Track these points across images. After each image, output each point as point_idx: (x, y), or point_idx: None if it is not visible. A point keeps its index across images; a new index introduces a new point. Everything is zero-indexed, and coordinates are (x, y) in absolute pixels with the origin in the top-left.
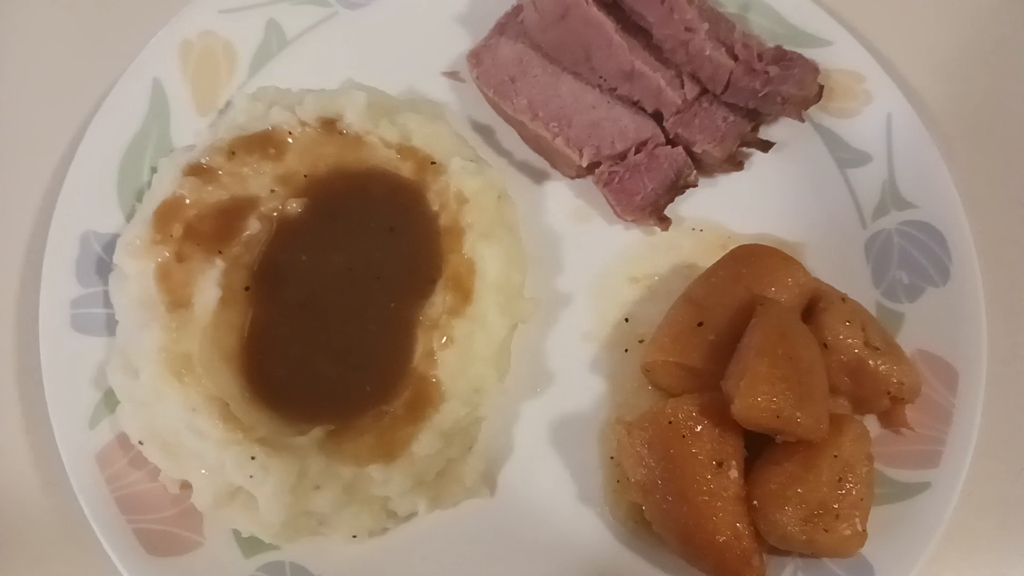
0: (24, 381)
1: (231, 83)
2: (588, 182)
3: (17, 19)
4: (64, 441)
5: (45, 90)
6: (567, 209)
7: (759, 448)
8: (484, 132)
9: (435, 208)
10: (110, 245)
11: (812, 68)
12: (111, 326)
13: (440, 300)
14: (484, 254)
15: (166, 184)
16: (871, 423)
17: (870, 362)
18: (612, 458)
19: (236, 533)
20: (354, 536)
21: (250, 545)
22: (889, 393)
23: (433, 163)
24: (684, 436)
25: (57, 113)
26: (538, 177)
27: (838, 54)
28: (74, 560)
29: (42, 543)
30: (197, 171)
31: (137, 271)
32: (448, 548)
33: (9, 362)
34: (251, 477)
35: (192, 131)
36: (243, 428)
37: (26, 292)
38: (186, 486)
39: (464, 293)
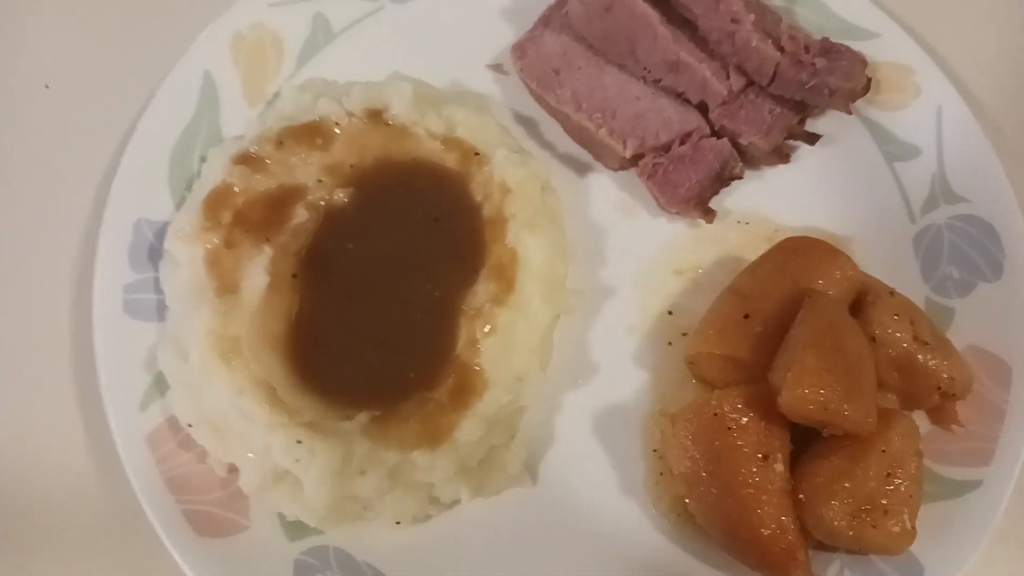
0: (78, 365)
1: (279, 75)
2: (632, 174)
3: (70, 11)
4: (117, 423)
5: (98, 81)
6: (611, 201)
7: (806, 442)
8: (528, 124)
9: (479, 198)
10: (161, 232)
11: (860, 60)
12: (162, 311)
13: (483, 289)
14: (527, 244)
15: (216, 173)
16: (921, 419)
17: (919, 357)
18: (655, 451)
19: (281, 517)
20: (398, 522)
21: (295, 529)
22: (939, 389)
23: (477, 154)
24: (730, 428)
25: (111, 104)
26: (582, 169)
27: (886, 46)
28: (125, 539)
29: (95, 522)
30: (246, 160)
31: (187, 257)
32: (490, 537)
33: (64, 346)
34: (297, 461)
35: (241, 122)
36: (289, 412)
37: (81, 278)
38: (233, 469)
39: (507, 282)
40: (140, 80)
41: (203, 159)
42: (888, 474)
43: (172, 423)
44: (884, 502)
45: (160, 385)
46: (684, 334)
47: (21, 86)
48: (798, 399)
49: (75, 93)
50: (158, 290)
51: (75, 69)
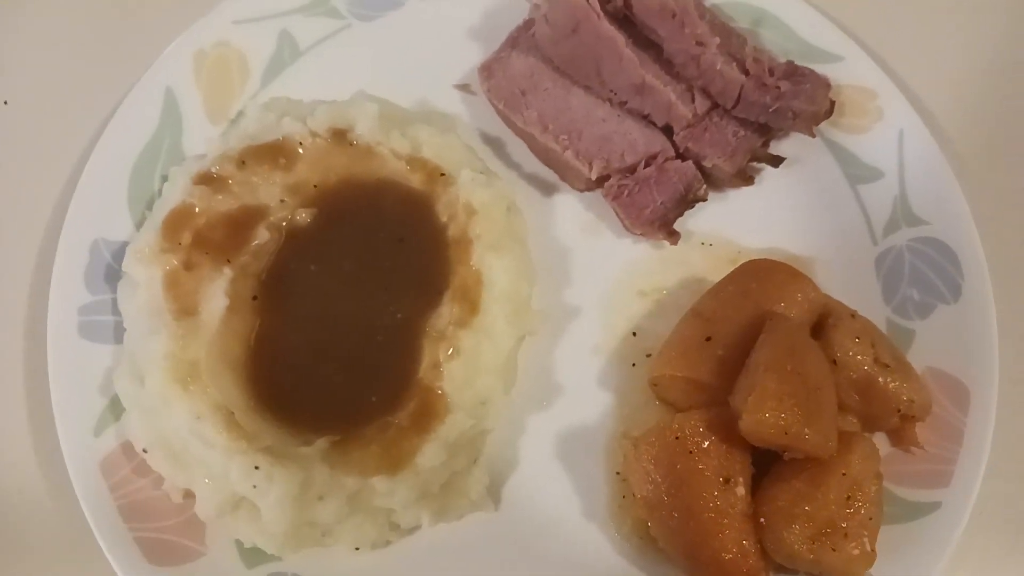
0: (32, 386)
1: (243, 93)
2: (597, 195)
3: (31, 27)
4: (69, 447)
5: (59, 98)
6: (576, 222)
7: (767, 465)
8: (494, 144)
9: (444, 219)
10: (119, 253)
11: (824, 83)
12: (119, 334)
13: (447, 311)
14: (492, 266)
15: (176, 192)
16: (880, 441)
17: (880, 379)
18: (618, 473)
19: (239, 543)
20: (357, 548)
21: (252, 556)
22: (899, 411)
23: (443, 175)
24: (691, 452)
25: (70, 121)
26: (548, 190)
27: (850, 70)
28: (76, 567)
29: (45, 549)
30: (207, 180)
31: (146, 279)
32: (452, 562)
33: (18, 367)
34: (255, 487)
35: (204, 140)
36: (247, 437)
37: (36, 298)
38: (189, 495)
39: (472, 304)
40: (101, 98)
41: (164, 178)
42: (848, 497)
43: (127, 448)
44: (844, 525)
45: (115, 409)
46: (648, 355)
47: None
48: (759, 423)
49: (35, 110)
50: (115, 312)
51: (35, 86)
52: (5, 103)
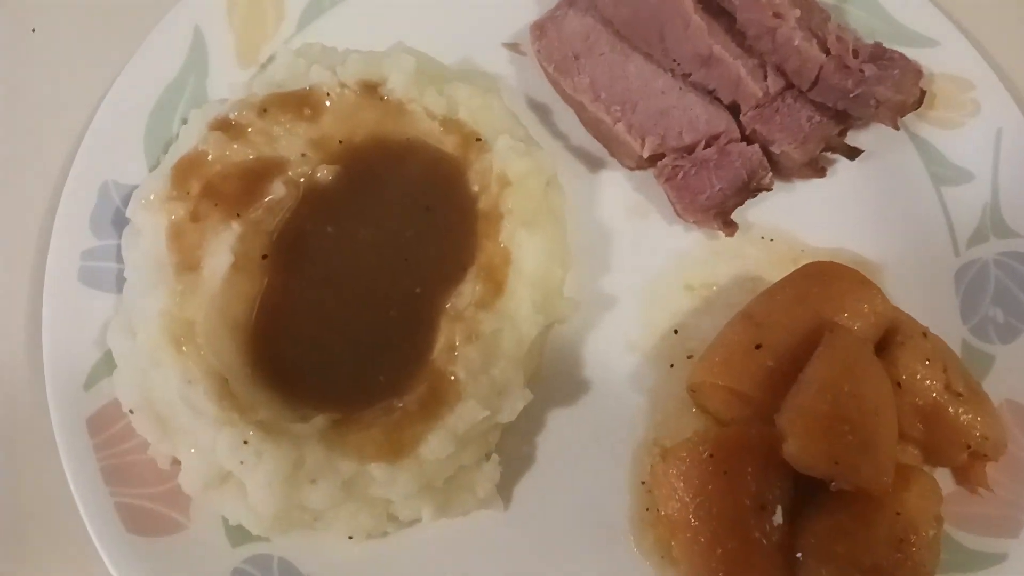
0: (33, 332)
1: (277, 37)
2: (649, 176)
3: None
4: (56, 399)
5: (86, 27)
6: (622, 203)
7: (811, 493)
8: (540, 111)
9: (475, 189)
10: (129, 197)
11: (914, 70)
12: (121, 283)
13: (469, 290)
14: (523, 244)
15: (191, 138)
16: (944, 479)
17: (950, 409)
18: (643, 483)
19: (224, 520)
20: (350, 537)
21: (238, 534)
22: (969, 447)
23: (478, 140)
24: (726, 472)
25: (97, 51)
26: (594, 165)
27: (945, 56)
28: (54, 529)
29: (25, 508)
30: (224, 126)
31: (150, 227)
32: (451, 561)
33: (20, 310)
34: (242, 463)
35: (230, 85)
36: (240, 408)
37: (45, 239)
38: (177, 462)
39: (497, 285)
40: (131, 30)
41: (184, 121)
42: (901, 540)
43: (116, 407)
44: (893, 570)
45: (110, 364)
46: (689, 357)
47: (6, 28)
48: (805, 449)
49: (62, 38)
50: (119, 259)
51: (64, 14)
52: (33, 31)
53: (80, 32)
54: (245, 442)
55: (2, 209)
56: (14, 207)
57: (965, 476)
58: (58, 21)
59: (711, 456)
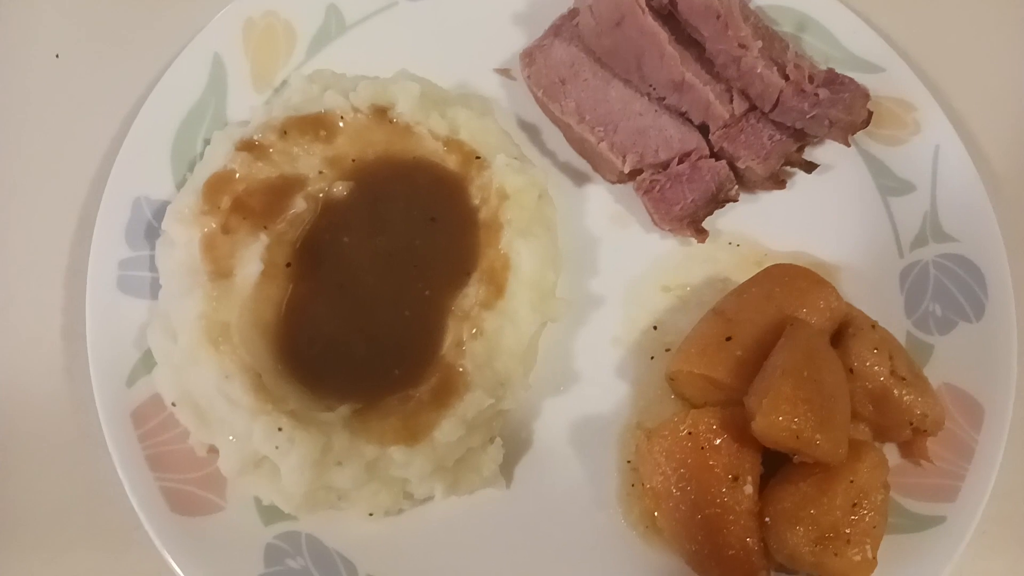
0: (69, 336)
1: (289, 63)
2: (628, 188)
3: None
4: (102, 395)
5: (108, 55)
6: (606, 213)
7: (776, 466)
8: (530, 131)
9: (476, 202)
10: (159, 211)
11: (862, 93)
12: (155, 290)
13: (473, 292)
14: (520, 251)
15: (218, 157)
16: (891, 452)
17: (895, 391)
18: (629, 462)
19: (257, 500)
20: (371, 514)
21: (269, 513)
22: (912, 424)
23: (478, 158)
24: (703, 448)
25: (118, 78)
26: (579, 180)
27: (890, 81)
28: (102, 512)
29: (73, 494)
30: (249, 147)
31: (184, 239)
32: (460, 534)
33: (56, 318)
34: (277, 448)
35: (247, 107)
36: (273, 399)
37: (77, 251)
38: (213, 451)
39: (497, 287)
40: (149, 58)
41: (207, 141)
42: (854, 504)
43: (156, 401)
44: (848, 531)
45: (148, 363)
46: (667, 350)
47: (31, 53)
48: (772, 425)
49: (85, 64)
50: (152, 268)
51: (87, 41)
52: (57, 56)
53: (100, 58)
54: (279, 429)
55: (33, 227)
56: (44, 225)
57: (909, 450)
58: (80, 47)
59: (689, 434)
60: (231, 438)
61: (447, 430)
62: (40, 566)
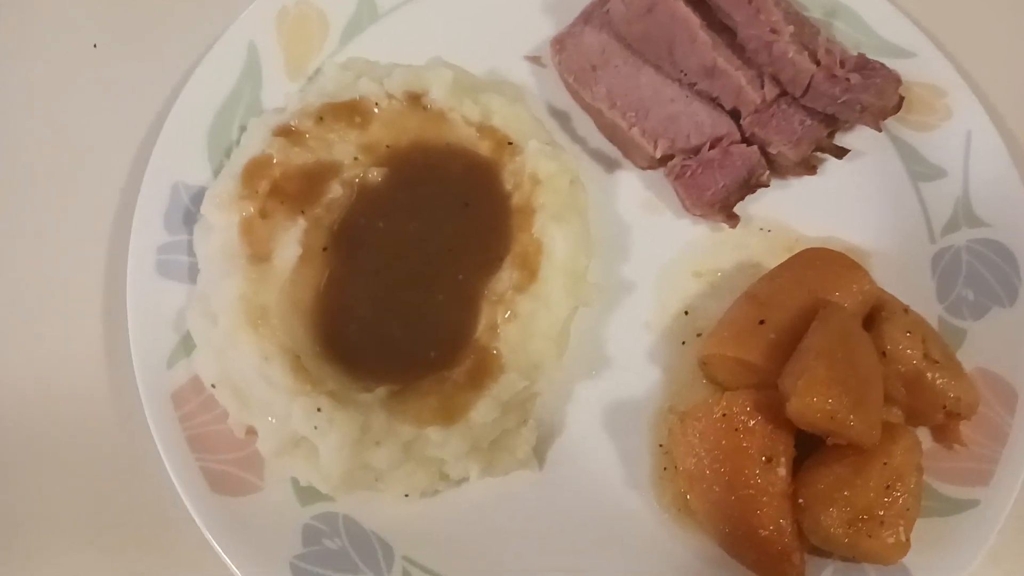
0: (109, 320)
1: (322, 52)
2: (659, 174)
3: None
4: (144, 377)
5: (145, 45)
6: (637, 199)
7: (810, 448)
8: (561, 117)
9: (509, 187)
10: (197, 197)
11: (894, 79)
12: (193, 274)
13: (507, 276)
14: (553, 236)
15: (255, 143)
16: (924, 436)
17: (928, 375)
18: (661, 446)
19: (294, 481)
20: (406, 495)
21: (307, 494)
22: (945, 408)
23: (510, 144)
24: (737, 429)
25: (155, 68)
26: (611, 166)
27: (921, 67)
28: (142, 492)
29: (113, 474)
30: (286, 133)
31: (222, 223)
32: (493, 517)
33: (97, 303)
34: (315, 428)
35: (281, 95)
36: (312, 381)
37: (116, 235)
38: (251, 432)
39: (530, 271)
40: (185, 47)
41: (242, 128)
42: (888, 486)
43: (196, 383)
44: (881, 513)
45: (187, 345)
46: (699, 335)
47: (70, 45)
48: (806, 407)
49: (122, 55)
50: (190, 252)
51: (124, 31)
52: (95, 46)
53: (137, 48)
54: (319, 410)
55: (73, 214)
56: (84, 212)
57: (942, 434)
58: (117, 38)
59: (724, 416)
60: (270, 419)
61: (482, 411)
62: (84, 544)
